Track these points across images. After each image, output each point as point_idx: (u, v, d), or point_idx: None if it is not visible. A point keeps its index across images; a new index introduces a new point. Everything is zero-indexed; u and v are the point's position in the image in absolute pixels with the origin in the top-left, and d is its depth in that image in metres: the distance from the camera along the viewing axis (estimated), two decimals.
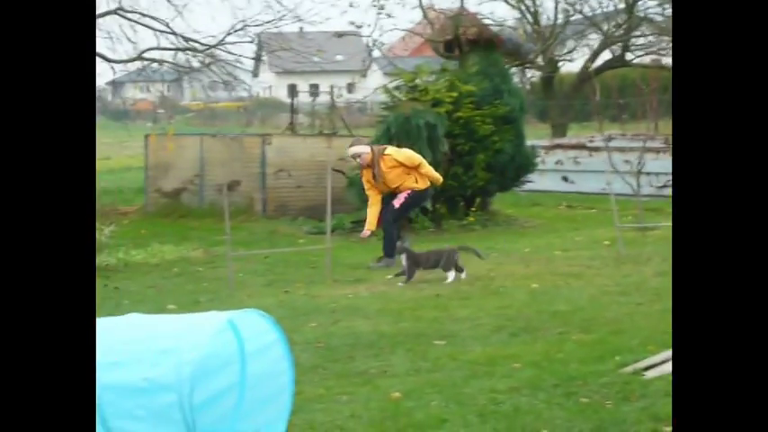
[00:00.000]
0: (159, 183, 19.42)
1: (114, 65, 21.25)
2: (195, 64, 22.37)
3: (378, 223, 12.76)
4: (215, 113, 26.34)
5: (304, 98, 28.40)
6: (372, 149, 12.69)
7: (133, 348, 5.05)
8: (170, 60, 21.95)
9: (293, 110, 21.78)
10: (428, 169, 12.75)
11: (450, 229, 16.49)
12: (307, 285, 11.23)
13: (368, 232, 12.73)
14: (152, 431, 4.91)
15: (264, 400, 5.46)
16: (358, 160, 12.78)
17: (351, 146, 13.06)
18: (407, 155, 12.73)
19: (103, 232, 12.99)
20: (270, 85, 65.69)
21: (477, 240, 14.92)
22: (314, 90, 26.48)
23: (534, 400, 6.20)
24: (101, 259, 12.95)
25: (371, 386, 6.71)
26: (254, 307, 5.68)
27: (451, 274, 10.90)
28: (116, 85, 22.59)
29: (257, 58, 25.35)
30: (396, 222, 12.83)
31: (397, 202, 12.59)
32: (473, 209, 17.45)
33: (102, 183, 24.59)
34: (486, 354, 7.52)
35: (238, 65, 23.05)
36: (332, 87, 21.67)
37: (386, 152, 12.62)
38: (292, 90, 23.21)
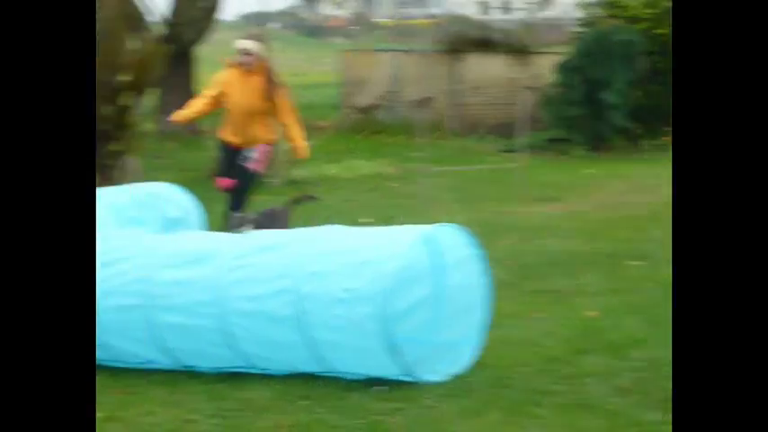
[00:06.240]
0: (353, 99, 19.61)
1: None
2: None
3: None
4: (407, 30, 26.29)
5: (496, 15, 28.07)
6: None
7: (333, 259, 5.15)
8: None
9: (486, 27, 21.57)
10: None
11: (646, 148, 16.14)
12: (498, 203, 11.19)
13: None
14: (349, 341, 5.01)
15: (461, 313, 5.49)
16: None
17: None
18: None
19: None
20: (462, 1, 65.32)
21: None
22: (506, 6, 26.06)
23: None
24: (297, 173, 13.21)
25: (565, 304, 6.68)
26: (447, 223, 5.69)
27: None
28: (310, 1, 22.66)
29: None
30: None
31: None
32: (670, 128, 17.05)
33: (296, 98, 25.02)
34: None
35: None
36: (526, 3, 21.31)
37: None
38: (485, 6, 22.88)
